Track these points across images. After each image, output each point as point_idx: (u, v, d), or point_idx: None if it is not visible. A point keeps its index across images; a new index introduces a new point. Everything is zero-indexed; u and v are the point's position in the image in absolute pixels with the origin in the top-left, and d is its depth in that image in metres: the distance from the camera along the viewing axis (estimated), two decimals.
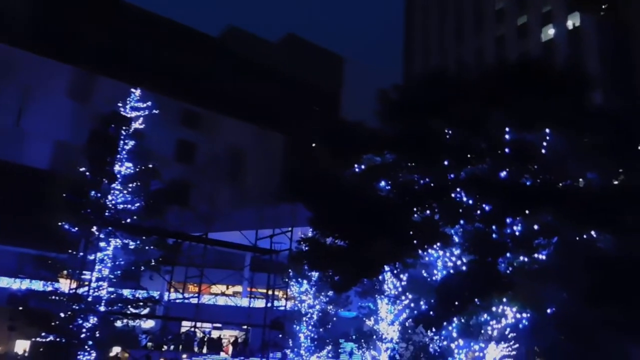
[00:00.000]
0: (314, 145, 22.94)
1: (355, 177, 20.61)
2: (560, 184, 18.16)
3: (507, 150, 18.42)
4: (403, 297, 21.69)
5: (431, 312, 17.72)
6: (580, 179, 18.70)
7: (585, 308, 16.11)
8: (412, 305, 20.44)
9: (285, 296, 32.49)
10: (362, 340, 24.88)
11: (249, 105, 67.52)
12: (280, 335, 27.96)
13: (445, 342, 18.42)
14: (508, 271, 17.33)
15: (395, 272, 20.73)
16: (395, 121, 20.76)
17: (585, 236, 17.30)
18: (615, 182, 18.43)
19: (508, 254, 17.52)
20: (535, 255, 17.43)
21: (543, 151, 18.19)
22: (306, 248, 21.15)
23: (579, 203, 17.22)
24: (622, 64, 35.48)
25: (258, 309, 34.05)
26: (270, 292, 30.82)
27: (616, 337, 16.69)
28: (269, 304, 30.17)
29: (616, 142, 17.38)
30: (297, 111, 71.24)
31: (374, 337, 24.63)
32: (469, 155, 18.60)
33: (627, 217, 16.84)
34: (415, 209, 18.73)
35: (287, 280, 27.72)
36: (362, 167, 20.63)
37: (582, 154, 17.91)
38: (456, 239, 18.41)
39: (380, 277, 22.40)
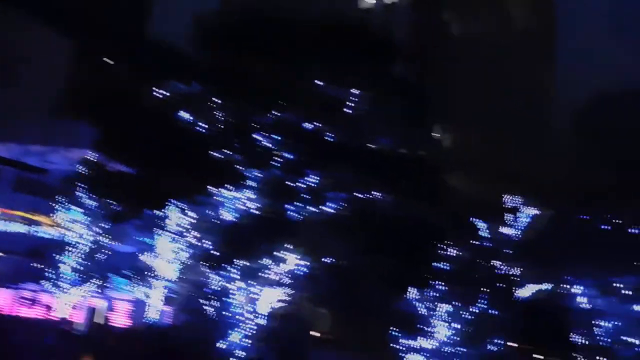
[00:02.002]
0: (112, 60, 20.33)
1: (156, 102, 18.83)
2: (358, 144, 19.08)
3: (315, 102, 18.63)
4: (187, 234, 20.81)
5: (216, 252, 17.32)
6: (375, 143, 19.90)
7: (360, 261, 17.36)
8: (196, 243, 19.74)
9: (51, 223, 28.92)
10: (135, 277, 23.39)
11: None
12: (40, 265, 24.84)
13: (225, 283, 18.22)
14: (298, 219, 17.73)
15: (182, 207, 19.70)
16: (209, 51, 19.47)
17: (370, 195, 18.51)
18: (403, 150, 20.06)
19: (300, 203, 17.89)
20: (325, 207, 18.12)
21: (349, 110, 18.84)
22: (87, 171, 18.83)
23: (370, 164, 18.36)
24: (429, 40, 39.01)
25: (13, 234, 29.82)
26: (32, 217, 27.14)
27: (383, 290, 18.44)
28: (30, 230, 26.57)
29: (412, 112, 18.81)
30: (95, 15, 62.51)
31: (149, 273, 23.37)
32: (278, 100, 18.34)
33: (408, 182, 18.48)
34: (215, 146, 17.90)
35: (56, 204, 24.51)
36: (166, 92, 18.92)
37: (382, 119, 19.00)
38: (252, 183, 18.16)
39: (164, 212, 21.15)
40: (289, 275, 18.45)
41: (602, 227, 17.53)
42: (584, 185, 18.73)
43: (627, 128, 17.76)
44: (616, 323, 15.28)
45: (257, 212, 17.78)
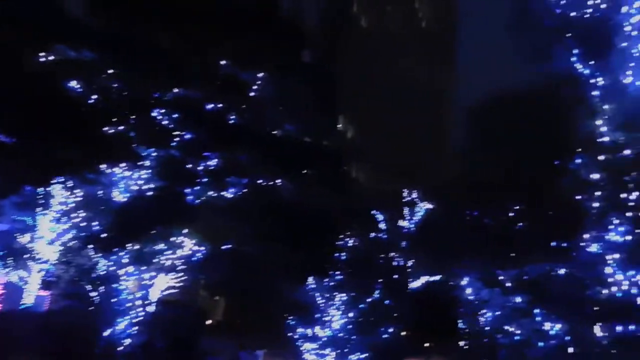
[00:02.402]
0: None
1: (41, 66, 17.04)
2: (262, 129, 18.62)
3: (219, 82, 17.89)
4: (73, 215, 19.22)
5: (105, 234, 16.14)
6: (279, 129, 19.53)
7: (258, 248, 17.00)
8: (83, 224, 18.27)
9: None
10: (11, 259, 21.29)
11: None
12: None
13: (113, 268, 17.04)
14: (195, 203, 16.97)
15: (69, 185, 18.13)
16: (104, 17, 17.99)
17: (272, 182, 18.16)
18: (307, 138, 19.90)
19: (198, 187, 17.14)
20: (224, 192, 17.51)
21: (254, 93, 18.29)
22: None
23: (273, 150, 17.97)
24: (338, 30, 39.10)
25: None
26: None
27: (281, 278, 18.24)
28: None
29: (318, 100, 18.65)
30: None
31: (26, 255, 21.38)
32: (180, 76, 17.37)
33: (310, 171, 18.36)
34: (108, 120, 16.57)
35: None
36: (52, 57, 17.18)
37: (288, 105, 18.66)
38: (148, 162, 17.09)
39: (48, 188, 19.38)
40: (184, 261, 17.67)
41: (488, 222, 18.44)
42: (476, 183, 19.59)
43: (518, 129, 18.77)
44: (498, 312, 16.18)
45: (151, 194, 16.77)
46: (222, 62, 17.98)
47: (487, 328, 16.42)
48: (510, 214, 17.84)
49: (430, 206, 23.72)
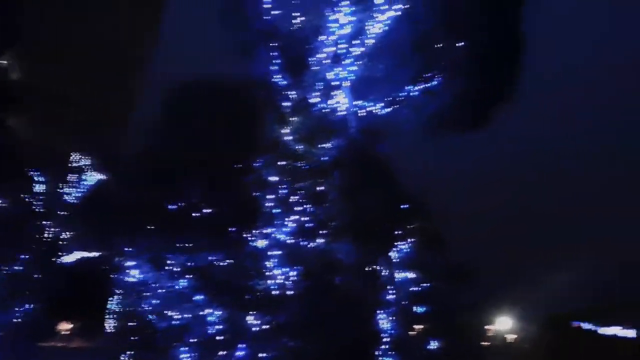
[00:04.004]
0: None
1: None
2: None
3: None
4: None
5: None
6: None
7: None
8: None
9: None
10: None
11: None
12: None
13: None
14: None
15: None
16: None
17: None
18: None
19: None
20: None
21: None
22: None
23: None
24: None
25: None
26: None
27: None
28: None
29: None
30: None
31: None
32: None
33: None
34: None
35: None
36: None
37: None
38: None
39: None
40: None
41: (166, 206, 18.12)
42: (160, 164, 19.01)
43: (210, 119, 19.01)
44: (161, 296, 15.99)
45: None
46: None
47: (145, 310, 16.00)
48: (190, 201, 17.91)
49: (102, 177, 21.91)
